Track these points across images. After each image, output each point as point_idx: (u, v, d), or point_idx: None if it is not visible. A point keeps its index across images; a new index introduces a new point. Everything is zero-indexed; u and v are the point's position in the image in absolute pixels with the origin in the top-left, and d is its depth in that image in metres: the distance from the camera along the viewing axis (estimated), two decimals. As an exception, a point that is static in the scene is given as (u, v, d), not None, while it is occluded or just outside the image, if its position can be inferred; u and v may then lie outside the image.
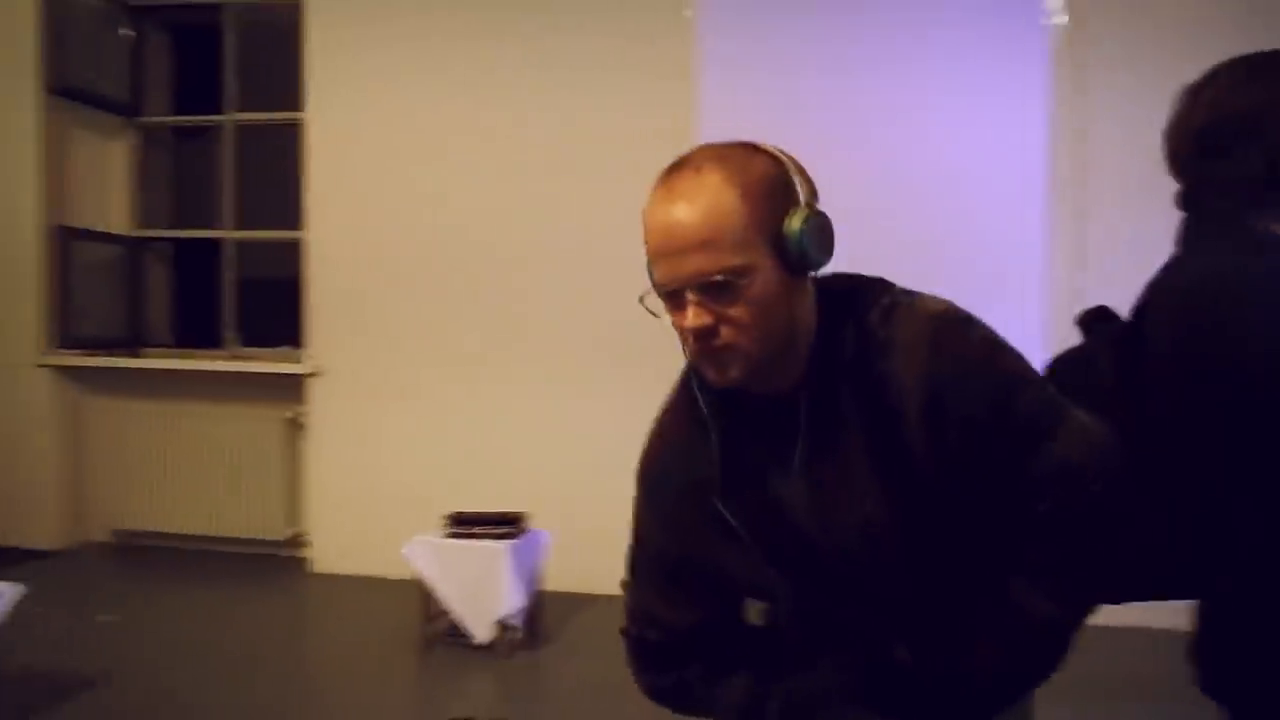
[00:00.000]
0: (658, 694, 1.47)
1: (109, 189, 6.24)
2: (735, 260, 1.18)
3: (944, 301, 1.31)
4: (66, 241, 5.89)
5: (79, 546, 5.92)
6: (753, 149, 1.25)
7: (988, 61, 4.78)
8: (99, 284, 6.08)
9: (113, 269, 6.17)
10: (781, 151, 1.27)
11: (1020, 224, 4.72)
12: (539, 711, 3.83)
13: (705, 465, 1.33)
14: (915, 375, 1.23)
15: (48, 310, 5.86)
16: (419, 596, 4.35)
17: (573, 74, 5.24)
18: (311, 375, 5.60)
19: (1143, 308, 1.46)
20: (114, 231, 6.21)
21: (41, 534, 5.83)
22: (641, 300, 1.26)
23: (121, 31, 6.15)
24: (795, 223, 1.20)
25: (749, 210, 1.19)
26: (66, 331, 5.90)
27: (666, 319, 1.26)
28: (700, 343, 1.22)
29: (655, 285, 1.24)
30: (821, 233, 1.23)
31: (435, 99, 5.44)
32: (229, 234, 6.18)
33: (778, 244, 1.20)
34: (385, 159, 5.52)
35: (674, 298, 1.22)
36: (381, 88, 5.51)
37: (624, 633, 1.48)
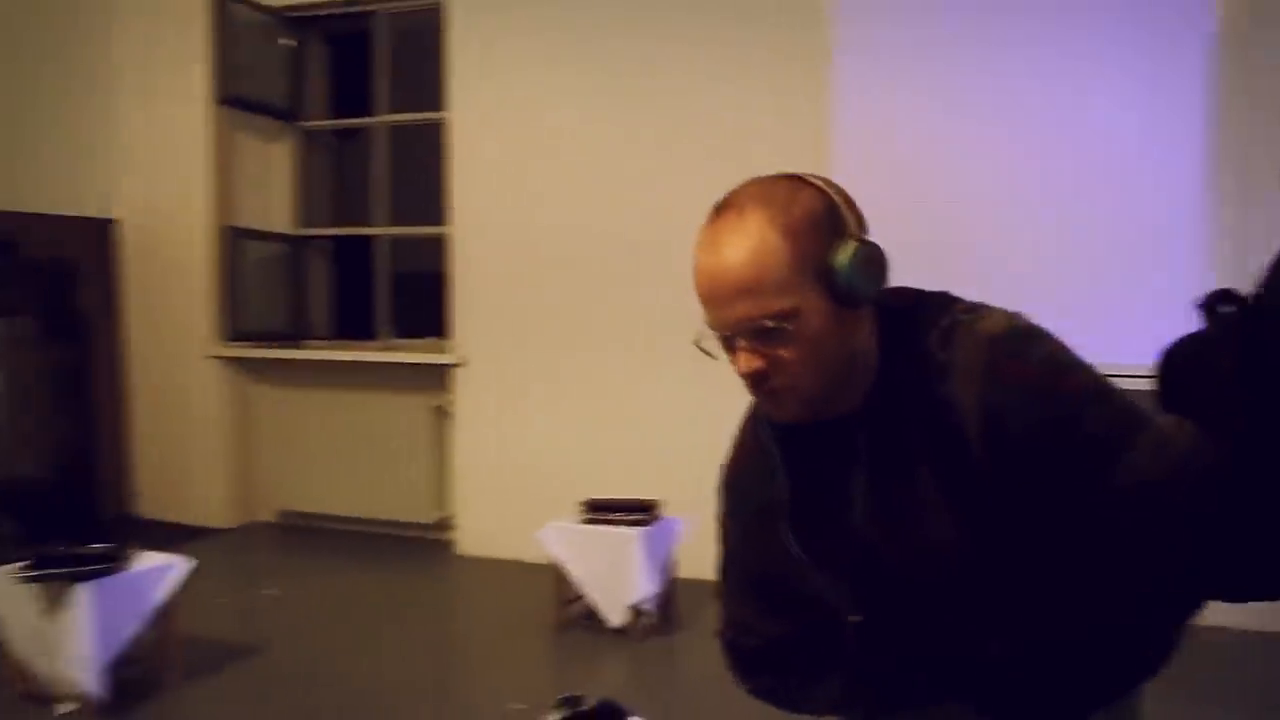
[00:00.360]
0: (757, 694, 1.49)
1: (272, 190, 6.62)
2: (780, 304, 1.18)
3: (1006, 318, 1.27)
4: (235, 241, 6.28)
5: (246, 525, 6.32)
6: (798, 183, 1.25)
7: (1144, 45, 4.56)
8: (264, 280, 6.46)
9: (277, 266, 6.54)
10: (828, 183, 1.25)
11: (1179, 210, 4.50)
12: (669, 696, 3.89)
13: (776, 489, 1.35)
14: (974, 398, 1.21)
15: (218, 305, 6.27)
16: (555, 580, 4.48)
17: (708, 64, 5.26)
18: (457, 365, 5.81)
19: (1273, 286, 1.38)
20: (277, 230, 6.59)
21: (213, 513, 6.26)
22: (696, 343, 1.27)
23: (282, 41, 6.51)
24: (843, 257, 1.19)
25: (792, 250, 1.19)
26: (235, 325, 6.29)
27: (723, 358, 1.27)
28: (755, 386, 1.25)
29: (709, 328, 1.25)
30: (870, 263, 1.22)
31: (570, 94, 5.55)
32: (382, 230, 6.47)
33: (826, 279, 1.20)
34: (523, 154, 5.67)
35: (726, 342, 1.24)
36: (518, 85, 5.66)
37: (719, 636, 1.50)
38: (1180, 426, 1.23)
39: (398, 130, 6.50)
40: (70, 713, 3.56)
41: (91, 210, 6.29)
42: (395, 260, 6.48)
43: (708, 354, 1.28)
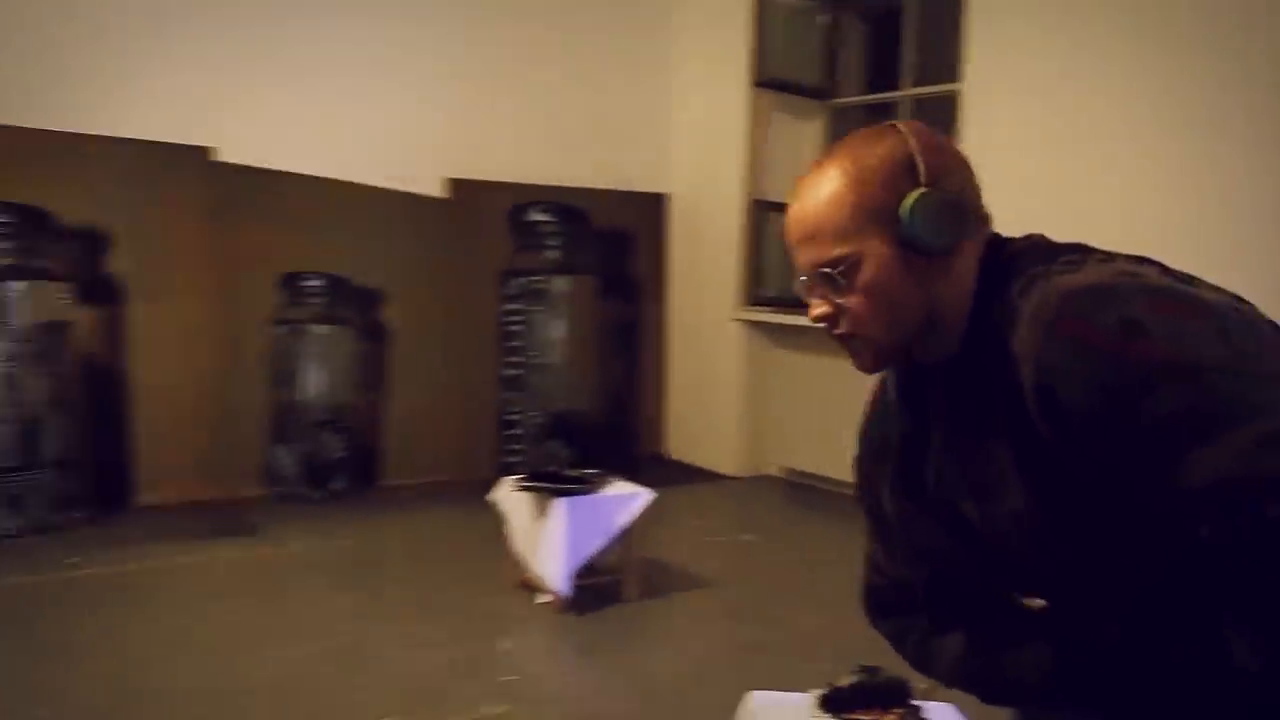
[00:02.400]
0: (889, 640, 1.48)
1: (800, 167, 7.00)
2: (838, 250, 1.20)
3: (1108, 273, 1.12)
4: (762, 214, 6.79)
5: (754, 477, 6.85)
6: (885, 131, 1.23)
7: None
8: (784, 251, 6.88)
9: (800, 237, 6.94)
10: (917, 130, 1.22)
11: None
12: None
13: (890, 433, 1.35)
14: (1030, 358, 1.11)
15: (744, 273, 6.84)
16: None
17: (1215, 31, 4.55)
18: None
19: None
20: (802, 203, 6.97)
21: (726, 462, 6.89)
22: (795, 289, 1.32)
23: (819, 19, 6.84)
24: (907, 204, 1.18)
25: (857, 197, 1.19)
26: (757, 291, 6.82)
27: None
28: (829, 332, 1.26)
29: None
30: (939, 211, 1.18)
31: (1095, 72, 5.12)
32: (898, 204, 6.53)
33: (893, 227, 1.19)
34: (1036, 136, 5.36)
35: (804, 287, 1.27)
36: (1041, 59, 5.35)
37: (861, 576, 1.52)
38: None
39: (922, 105, 6.50)
40: (544, 603, 4.28)
41: (648, 186, 7.20)
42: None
43: (807, 302, 1.31)
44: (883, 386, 1.42)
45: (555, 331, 6.60)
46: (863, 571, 1.51)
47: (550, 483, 4.35)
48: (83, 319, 5.32)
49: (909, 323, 1.22)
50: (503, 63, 6.68)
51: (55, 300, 5.15)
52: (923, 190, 1.18)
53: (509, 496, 4.50)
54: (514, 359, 6.58)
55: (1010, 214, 4.93)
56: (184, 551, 4.82)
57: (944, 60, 6.23)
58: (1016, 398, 1.14)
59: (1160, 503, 1.05)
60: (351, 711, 3.34)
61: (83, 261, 5.34)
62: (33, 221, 5.10)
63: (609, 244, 7.02)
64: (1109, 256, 1.18)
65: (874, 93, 6.98)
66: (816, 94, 6.94)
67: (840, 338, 1.26)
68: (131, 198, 5.46)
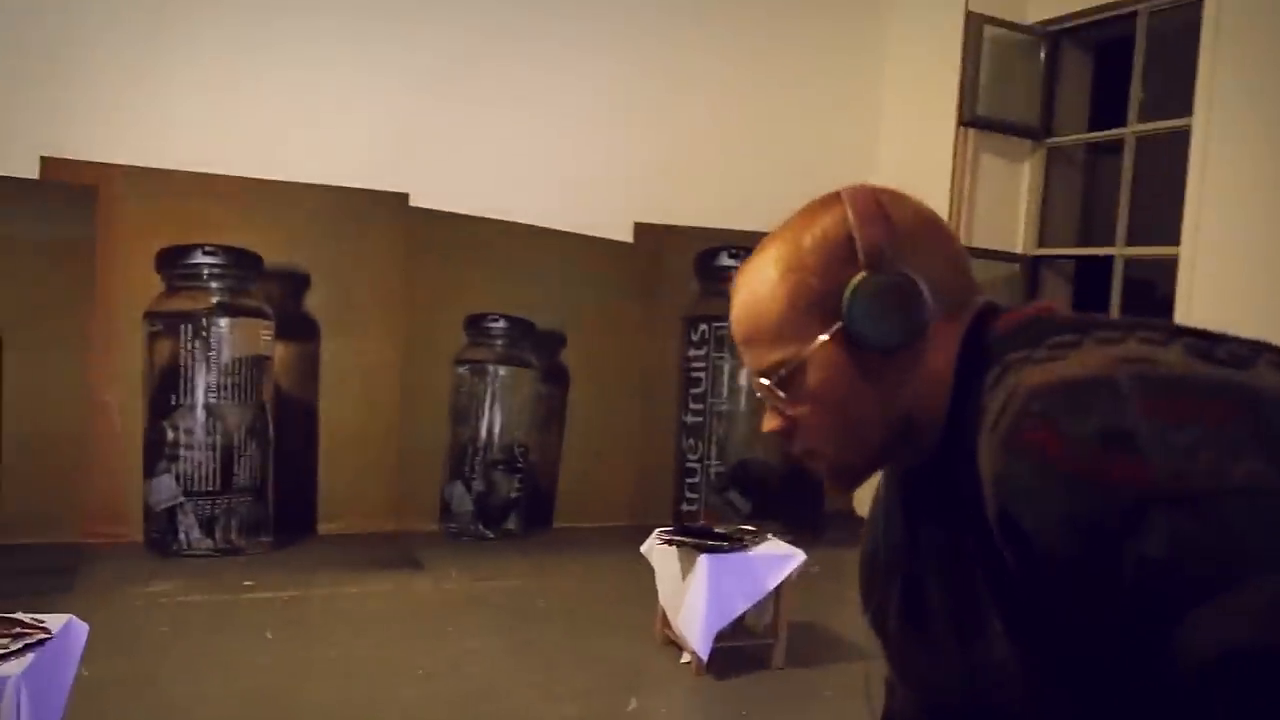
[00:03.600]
0: None
1: (1012, 209, 6.53)
2: (777, 354, 0.99)
3: (1090, 363, 0.84)
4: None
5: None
6: (827, 203, 1.01)
7: None
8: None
9: (1010, 286, 6.45)
10: (860, 197, 0.98)
11: None
12: None
13: (883, 538, 1.14)
14: (989, 476, 0.86)
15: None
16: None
17: None
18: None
19: None
20: (1011, 250, 6.48)
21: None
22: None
23: (1042, 54, 6.37)
24: (846, 294, 0.95)
25: (789, 291, 0.98)
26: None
27: None
28: (787, 449, 1.05)
29: None
30: (881, 299, 0.94)
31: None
32: (1119, 251, 5.96)
33: (835, 321, 0.97)
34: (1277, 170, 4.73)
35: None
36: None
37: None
38: None
39: (1146, 142, 5.90)
40: (686, 663, 4.08)
41: (844, 231, 6.91)
42: (1126, 281, 5.92)
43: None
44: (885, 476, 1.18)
45: (739, 378, 6.42)
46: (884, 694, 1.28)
47: (697, 538, 4.17)
48: (279, 354, 5.63)
49: (872, 434, 1.00)
50: (699, 106, 6.62)
51: (258, 336, 5.49)
52: (861, 276, 0.95)
53: (657, 549, 4.35)
54: (696, 405, 6.45)
55: (1243, 259, 4.44)
56: (350, 581, 4.95)
57: (1173, 93, 5.65)
58: (984, 522, 0.89)
59: (1160, 668, 0.78)
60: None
61: (283, 299, 5.67)
62: (242, 262, 5.47)
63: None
64: (1126, 332, 0.88)
65: (1096, 130, 6.43)
66: (1030, 133, 6.46)
67: (798, 456, 1.04)
68: (330, 240, 5.76)
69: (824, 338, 0.96)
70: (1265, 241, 4.74)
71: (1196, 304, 5.00)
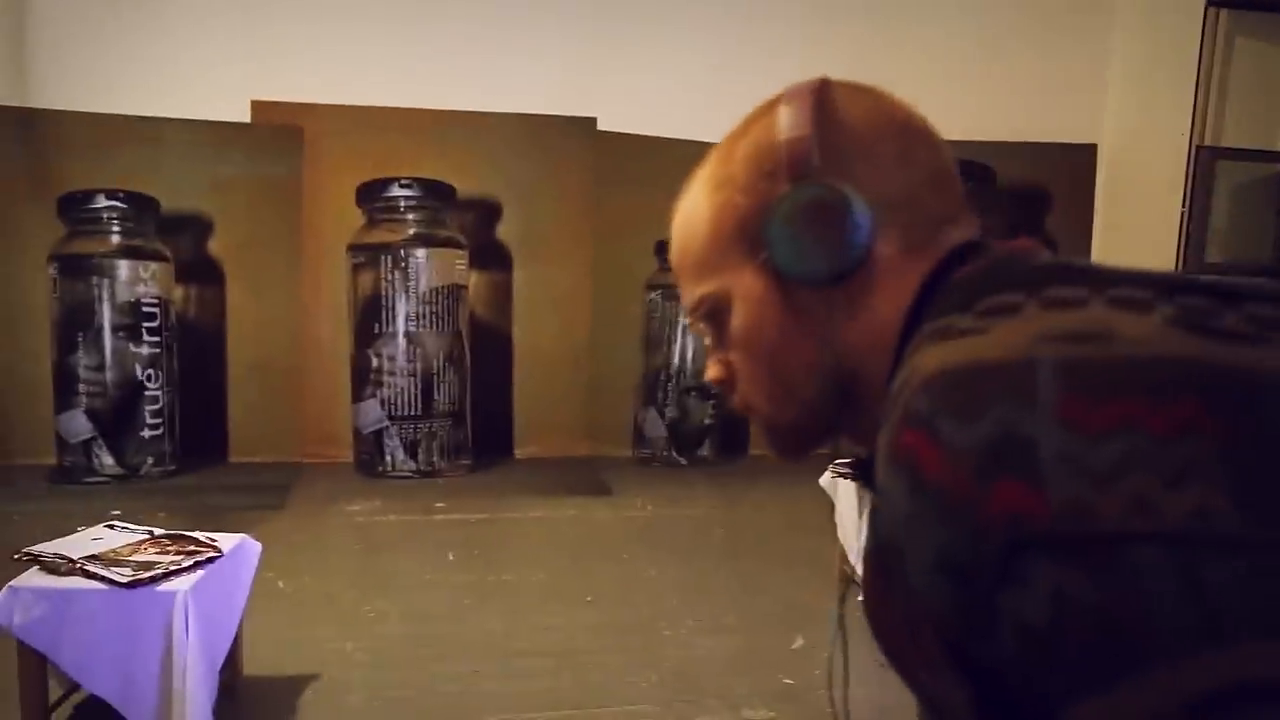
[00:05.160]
0: None
1: (1273, 102, 5.70)
2: (702, 288, 0.82)
3: (1010, 339, 0.60)
4: (1210, 162, 5.63)
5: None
6: (767, 109, 0.80)
7: None
8: (1246, 206, 5.67)
9: (1263, 190, 5.67)
10: (797, 94, 0.77)
11: None
12: None
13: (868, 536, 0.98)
14: (879, 490, 0.67)
15: (1183, 233, 5.73)
16: None
17: None
18: None
19: None
20: (1270, 149, 5.68)
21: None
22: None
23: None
24: (772, 215, 0.75)
25: (715, 212, 0.80)
26: (1199, 259, 5.69)
27: None
28: (730, 402, 0.88)
29: None
30: (803, 220, 0.74)
31: None
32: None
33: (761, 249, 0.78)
34: None
35: None
36: None
37: None
38: None
39: None
40: (861, 601, 3.89)
41: (1070, 136, 6.28)
42: None
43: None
44: None
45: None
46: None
47: (868, 472, 3.93)
48: (474, 282, 5.77)
49: (805, 390, 0.79)
50: (904, 11, 6.17)
51: (453, 266, 5.64)
52: (784, 191, 0.75)
53: (835, 482, 4.15)
54: (900, 329, 6.12)
55: None
56: (537, 506, 5.06)
57: None
58: None
59: None
60: (606, 692, 3.26)
61: (475, 229, 5.78)
62: (436, 194, 5.61)
63: (1020, 203, 6.24)
64: (1098, 289, 0.62)
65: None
66: (1297, 9, 5.59)
67: (744, 412, 0.86)
68: (521, 168, 5.80)
69: (748, 268, 0.78)
70: None
71: None
